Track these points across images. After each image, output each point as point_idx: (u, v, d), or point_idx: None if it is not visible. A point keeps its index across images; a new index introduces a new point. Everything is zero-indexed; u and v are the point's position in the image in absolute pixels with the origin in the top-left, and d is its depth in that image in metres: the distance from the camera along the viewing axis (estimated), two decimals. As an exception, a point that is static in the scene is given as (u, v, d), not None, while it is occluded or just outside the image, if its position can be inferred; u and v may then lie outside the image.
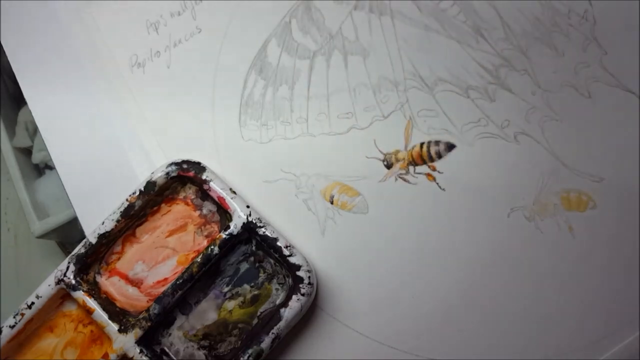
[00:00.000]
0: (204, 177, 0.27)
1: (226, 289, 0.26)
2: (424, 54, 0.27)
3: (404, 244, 0.26)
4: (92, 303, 0.26)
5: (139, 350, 0.25)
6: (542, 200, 0.25)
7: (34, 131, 0.37)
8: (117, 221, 0.27)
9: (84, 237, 0.27)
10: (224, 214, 0.27)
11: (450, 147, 0.27)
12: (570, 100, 0.26)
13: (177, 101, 0.30)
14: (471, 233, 0.26)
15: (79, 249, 0.27)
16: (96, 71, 0.30)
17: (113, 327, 0.25)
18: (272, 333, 0.25)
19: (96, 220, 0.27)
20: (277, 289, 0.26)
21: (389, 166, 0.27)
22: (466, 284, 0.25)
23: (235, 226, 0.26)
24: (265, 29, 0.29)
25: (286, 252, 0.26)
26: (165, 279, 0.27)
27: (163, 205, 0.28)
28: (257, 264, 0.27)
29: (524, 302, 0.25)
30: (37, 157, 0.36)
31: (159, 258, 0.27)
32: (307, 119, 0.28)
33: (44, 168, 0.37)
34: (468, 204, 0.26)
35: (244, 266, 0.27)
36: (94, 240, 0.27)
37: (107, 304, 0.26)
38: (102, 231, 0.27)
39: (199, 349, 0.26)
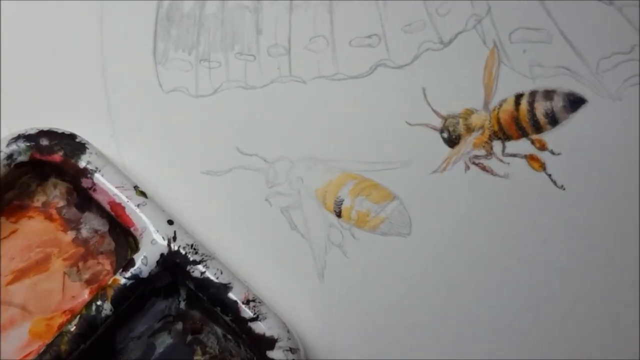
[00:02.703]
0: (82, 163, 0.21)
1: (128, 387, 0.22)
2: None
3: (482, 297, 0.21)
4: None
5: None
6: None
7: None
8: None
9: None
10: (123, 237, 0.22)
11: (574, 102, 0.21)
12: None
13: (34, 19, 0.24)
14: (620, 274, 0.20)
15: None
16: None
17: None
18: None
19: None
20: (229, 386, 0.23)
21: (452, 141, 0.22)
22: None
23: (144, 262, 0.20)
24: None
25: (247, 312, 0.20)
26: (8, 367, 0.23)
27: (2, 219, 0.22)
28: (189, 337, 0.21)
29: None
30: None
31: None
32: (290, 47, 0.23)
33: None
34: (613, 216, 0.21)
35: (164, 340, 0.21)
36: None
37: None
38: None
39: None
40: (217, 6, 0.24)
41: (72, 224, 0.22)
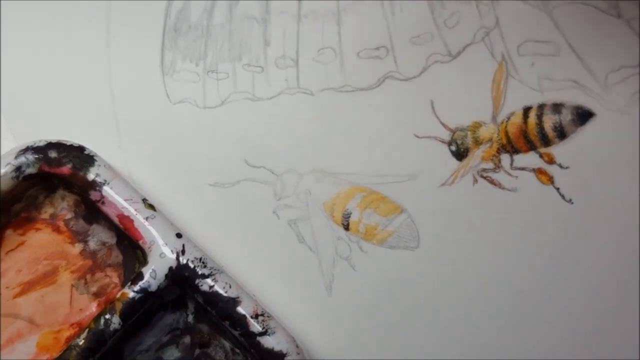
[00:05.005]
0: (91, 175, 0.22)
1: (136, 400, 0.22)
2: None
3: (490, 310, 0.21)
4: None
5: None
6: None
7: None
8: None
9: None
10: (131, 249, 0.22)
11: (582, 115, 0.22)
12: None
13: (42, 32, 0.25)
14: (627, 287, 0.21)
15: None
16: None
17: None
18: None
19: None
20: (236, 399, 0.23)
21: (460, 154, 0.22)
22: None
23: (153, 275, 0.21)
24: None
25: (256, 326, 0.20)
26: (16, 380, 0.22)
27: (9, 232, 0.22)
28: (197, 350, 0.22)
29: None
30: None
31: (1, 338, 0.21)
32: (298, 59, 0.23)
33: None
34: (621, 230, 0.21)
35: (172, 354, 0.21)
36: None
37: None
38: None
39: None
40: (224, 17, 0.24)
41: (79, 237, 0.23)
